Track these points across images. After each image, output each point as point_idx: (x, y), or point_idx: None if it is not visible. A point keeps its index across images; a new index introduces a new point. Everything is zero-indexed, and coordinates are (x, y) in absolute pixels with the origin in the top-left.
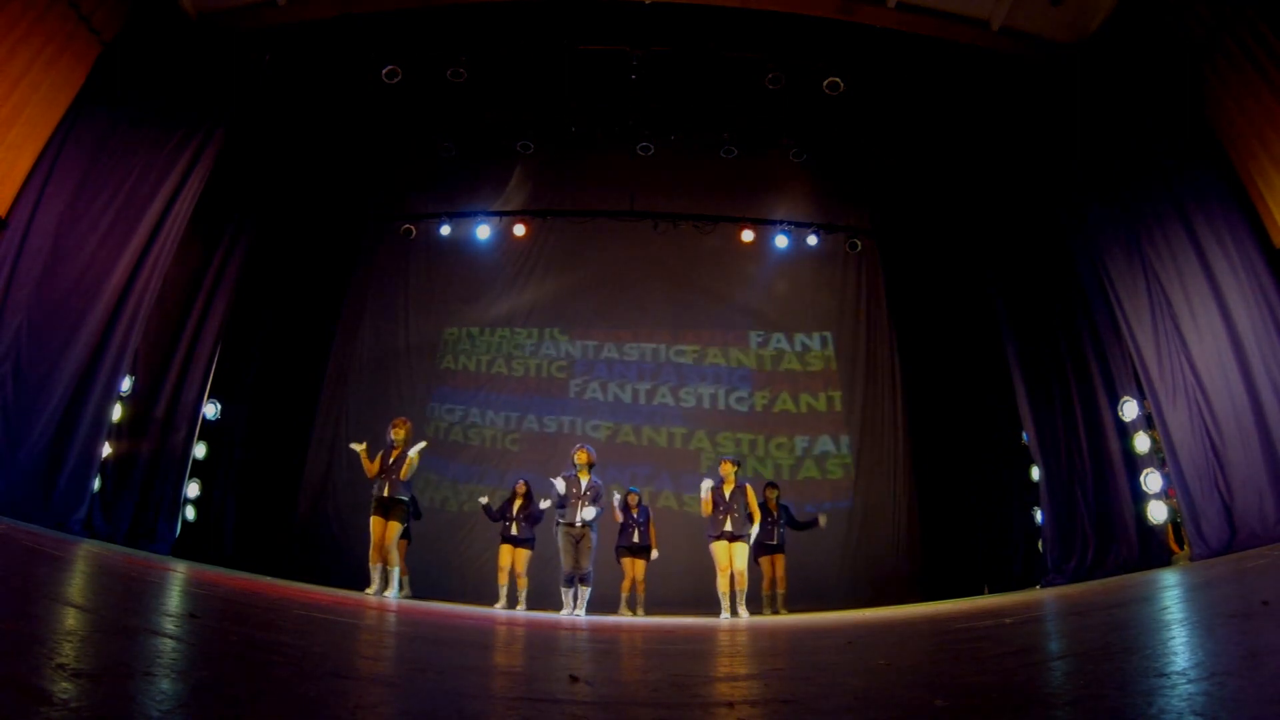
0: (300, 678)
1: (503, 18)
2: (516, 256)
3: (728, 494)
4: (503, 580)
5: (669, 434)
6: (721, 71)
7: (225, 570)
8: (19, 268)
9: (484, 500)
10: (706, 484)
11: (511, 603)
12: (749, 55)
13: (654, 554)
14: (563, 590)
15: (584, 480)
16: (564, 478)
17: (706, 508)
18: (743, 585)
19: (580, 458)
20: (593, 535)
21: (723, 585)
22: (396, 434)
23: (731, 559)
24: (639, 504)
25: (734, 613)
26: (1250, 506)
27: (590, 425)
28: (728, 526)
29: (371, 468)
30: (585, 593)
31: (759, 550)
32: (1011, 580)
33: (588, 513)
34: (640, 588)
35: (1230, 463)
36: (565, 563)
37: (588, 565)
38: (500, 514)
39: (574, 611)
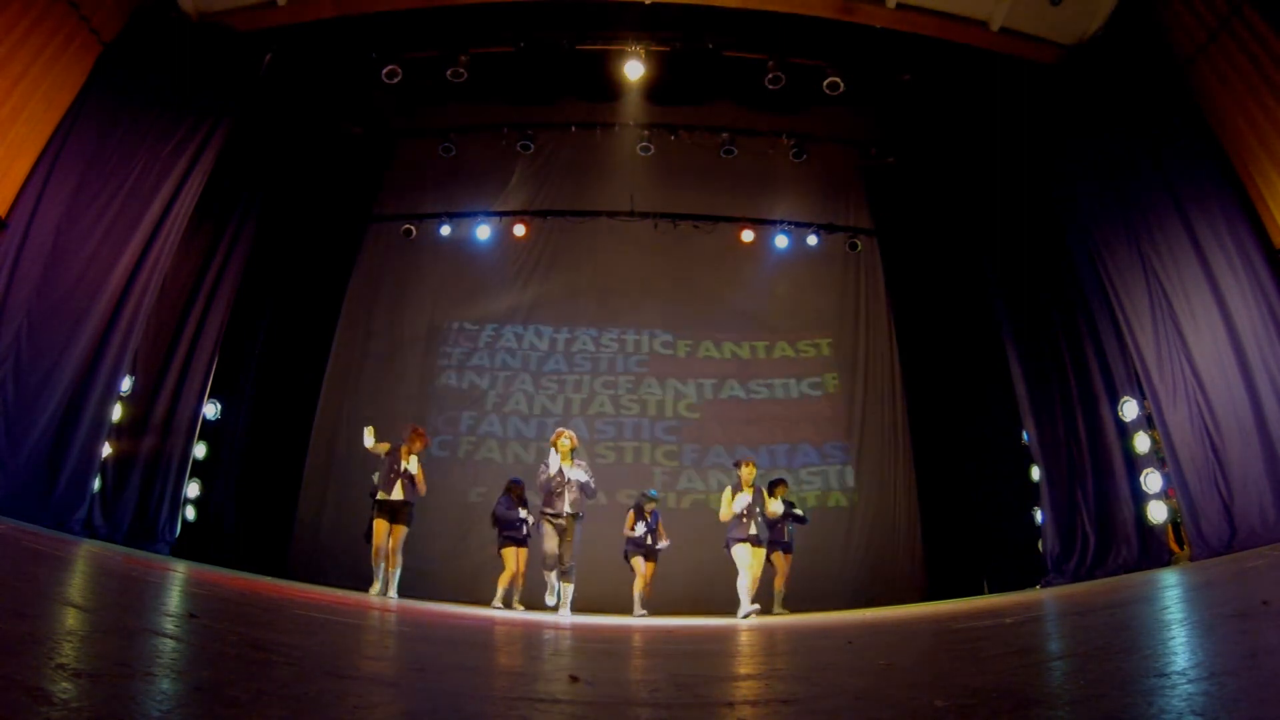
0: (300, 678)
1: (503, 18)
2: (516, 256)
3: (750, 496)
4: (505, 582)
5: (668, 432)
6: (721, 71)
7: (225, 570)
8: (19, 268)
9: (524, 518)
10: (728, 490)
11: (508, 602)
12: (749, 55)
13: (664, 542)
14: (545, 573)
15: (567, 467)
16: (544, 466)
17: (728, 512)
18: (752, 590)
19: (562, 444)
20: (578, 527)
21: (745, 583)
22: (413, 444)
23: (752, 561)
24: (653, 509)
25: (783, 606)
26: (1250, 506)
27: (589, 424)
28: (752, 530)
29: (379, 446)
30: (569, 590)
31: (770, 547)
32: (1011, 580)
33: (572, 500)
34: (648, 589)
35: (1230, 463)
36: (547, 547)
37: (571, 559)
38: (510, 518)
39: (562, 610)
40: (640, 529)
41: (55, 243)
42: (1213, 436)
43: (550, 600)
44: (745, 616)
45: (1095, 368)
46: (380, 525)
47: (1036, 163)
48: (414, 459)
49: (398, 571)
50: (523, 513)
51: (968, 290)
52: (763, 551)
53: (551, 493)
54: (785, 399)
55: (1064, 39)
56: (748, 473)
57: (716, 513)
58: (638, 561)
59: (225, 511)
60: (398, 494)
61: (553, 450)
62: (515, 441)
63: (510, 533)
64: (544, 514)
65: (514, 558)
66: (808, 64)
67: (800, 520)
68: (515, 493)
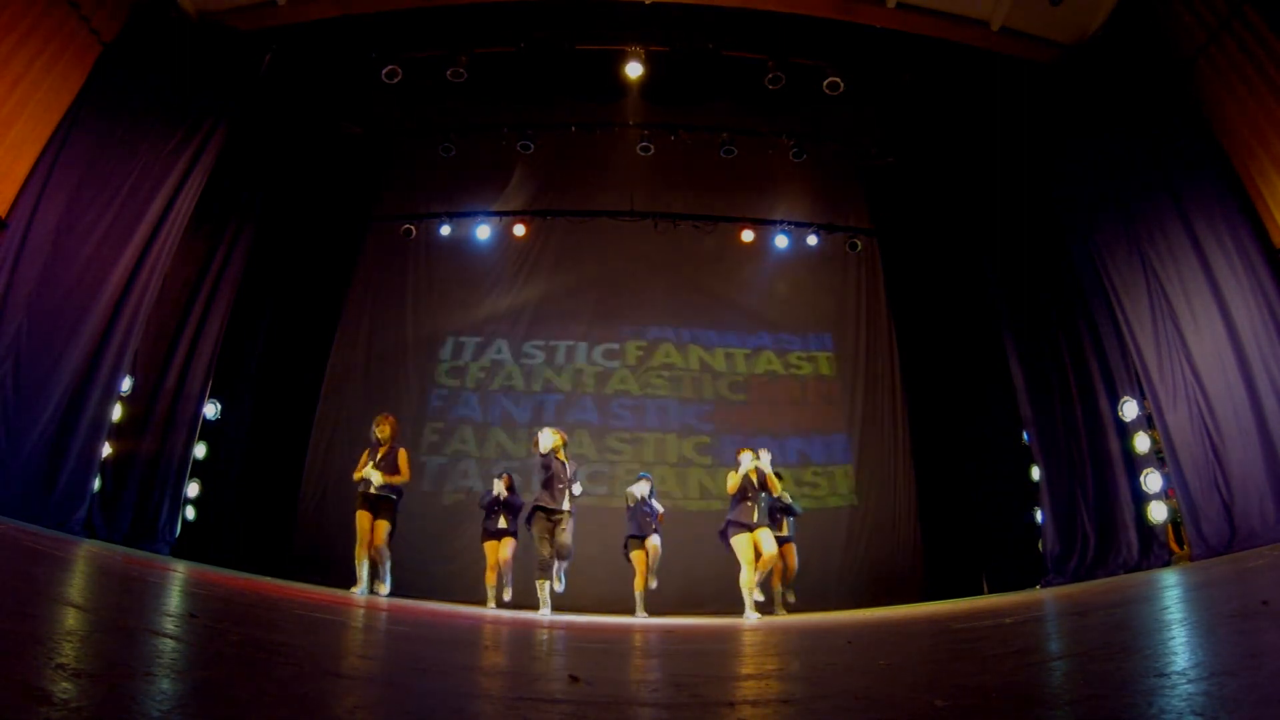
0: (300, 678)
1: (502, 18)
2: (516, 256)
3: (754, 482)
4: (491, 580)
5: (667, 432)
6: (721, 71)
7: (225, 570)
8: (19, 268)
9: (496, 493)
10: (734, 473)
11: (499, 596)
12: (749, 55)
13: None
14: (537, 584)
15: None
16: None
17: (733, 485)
18: (770, 568)
19: (556, 441)
20: (570, 523)
21: (748, 580)
22: (381, 431)
23: (760, 547)
24: (650, 492)
25: (782, 606)
26: (1250, 506)
27: (588, 424)
28: (754, 517)
29: (360, 471)
30: (560, 582)
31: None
32: (1011, 580)
33: (571, 494)
34: (650, 578)
35: (1230, 463)
36: (541, 550)
37: (567, 555)
38: (487, 506)
39: (547, 606)
40: (636, 509)
41: (55, 243)
42: (1213, 436)
43: (540, 614)
44: (747, 618)
45: (1095, 368)
46: (362, 516)
47: (1036, 163)
48: (371, 469)
49: (388, 565)
50: (497, 517)
51: (968, 290)
52: (766, 531)
53: (552, 490)
54: (785, 398)
55: (1064, 39)
56: (750, 458)
57: (718, 512)
58: (638, 555)
59: (225, 511)
60: (374, 486)
61: (542, 440)
62: (514, 439)
63: (484, 523)
64: (537, 509)
65: (491, 551)
66: (808, 64)
67: (792, 512)
68: (504, 483)
